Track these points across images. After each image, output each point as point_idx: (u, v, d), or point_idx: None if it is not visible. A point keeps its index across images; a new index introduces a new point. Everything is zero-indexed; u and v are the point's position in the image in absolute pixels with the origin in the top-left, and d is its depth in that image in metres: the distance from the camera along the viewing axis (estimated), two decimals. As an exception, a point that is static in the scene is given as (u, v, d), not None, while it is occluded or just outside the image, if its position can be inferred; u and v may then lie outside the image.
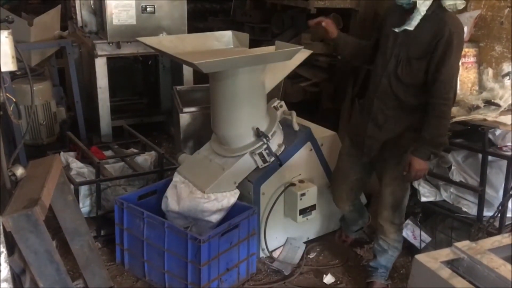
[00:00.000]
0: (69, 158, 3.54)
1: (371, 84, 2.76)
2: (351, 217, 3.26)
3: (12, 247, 1.91)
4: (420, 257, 1.69)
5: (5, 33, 1.80)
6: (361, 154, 2.81)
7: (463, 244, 1.73)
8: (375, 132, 2.70)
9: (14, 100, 1.99)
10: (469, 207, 2.88)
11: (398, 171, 2.66)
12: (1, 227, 1.78)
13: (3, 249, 1.79)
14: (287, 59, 2.92)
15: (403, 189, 2.76)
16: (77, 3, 4.59)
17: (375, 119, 2.69)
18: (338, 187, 3.07)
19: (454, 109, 2.87)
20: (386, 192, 2.75)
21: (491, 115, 2.76)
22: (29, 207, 1.83)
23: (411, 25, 2.42)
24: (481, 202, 2.79)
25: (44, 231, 1.89)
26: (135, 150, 3.92)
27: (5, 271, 1.81)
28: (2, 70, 1.80)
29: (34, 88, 2.17)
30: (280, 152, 3.05)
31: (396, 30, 2.46)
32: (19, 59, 1.91)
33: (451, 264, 1.69)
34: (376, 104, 2.67)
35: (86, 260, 2.45)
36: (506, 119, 2.72)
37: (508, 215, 2.80)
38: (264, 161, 2.99)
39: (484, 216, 2.79)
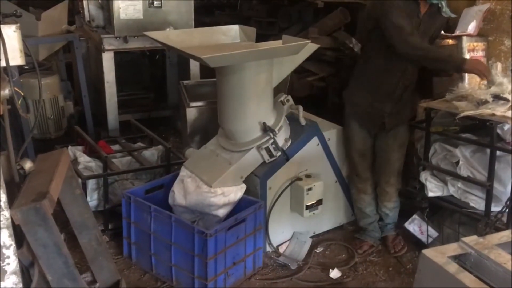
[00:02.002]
0: (76, 152, 3.56)
1: (391, 72, 2.95)
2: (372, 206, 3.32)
3: (20, 240, 1.92)
4: (427, 252, 1.69)
5: (13, 27, 1.80)
6: (373, 129, 3.10)
7: (471, 239, 1.72)
8: (396, 108, 3.00)
9: (22, 94, 1.99)
10: (477, 202, 2.87)
11: (404, 137, 3.10)
12: (10, 220, 1.80)
13: (12, 242, 1.80)
14: (294, 53, 2.91)
15: (404, 155, 3.16)
16: (85, -2, 4.61)
17: (398, 98, 3.00)
18: (359, 166, 3.20)
19: (463, 104, 2.85)
20: (394, 158, 3.09)
21: (499, 110, 2.73)
22: (38, 201, 1.83)
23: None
24: (489, 197, 2.77)
25: (53, 224, 1.89)
26: (142, 145, 3.94)
27: (14, 264, 1.82)
28: (11, 64, 1.81)
29: (42, 83, 2.17)
30: (286, 147, 3.05)
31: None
32: (27, 54, 1.91)
33: (458, 259, 1.69)
34: (402, 85, 2.98)
35: (94, 253, 2.46)
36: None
37: (516, 210, 2.78)
38: (271, 155, 2.99)
39: (492, 211, 2.77)
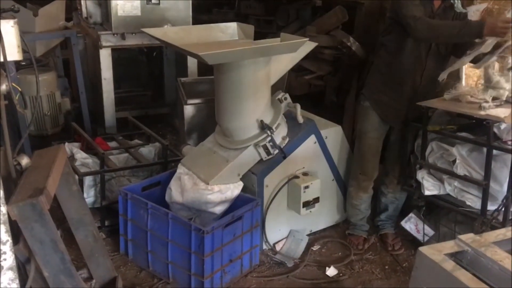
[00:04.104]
0: (73, 148, 3.56)
1: (411, 66, 2.99)
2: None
3: (17, 236, 1.92)
4: (424, 249, 1.69)
5: (11, 23, 1.80)
6: (396, 124, 3.14)
7: (467, 237, 1.73)
8: (418, 100, 2.98)
9: (20, 89, 1.99)
10: (473, 201, 2.87)
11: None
12: (7, 216, 1.79)
13: (9, 238, 1.80)
14: (292, 51, 2.91)
15: None
16: (82, -6, 4.59)
17: (421, 94, 3.03)
18: (370, 164, 3.21)
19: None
20: (406, 148, 3.15)
21: (503, 113, 2.69)
22: (34, 196, 1.83)
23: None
24: (485, 196, 2.78)
25: (49, 221, 1.89)
26: (139, 142, 3.93)
27: (10, 259, 1.82)
28: (8, 59, 1.80)
29: (39, 79, 2.16)
30: (284, 145, 3.06)
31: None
32: (24, 50, 1.91)
33: (455, 256, 1.69)
34: (424, 81, 3.03)
35: (90, 250, 2.45)
36: (502, 112, 2.67)
37: (512, 209, 2.78)
38: (268, 153, 2.99)
39: (488, 210, 2.78)
